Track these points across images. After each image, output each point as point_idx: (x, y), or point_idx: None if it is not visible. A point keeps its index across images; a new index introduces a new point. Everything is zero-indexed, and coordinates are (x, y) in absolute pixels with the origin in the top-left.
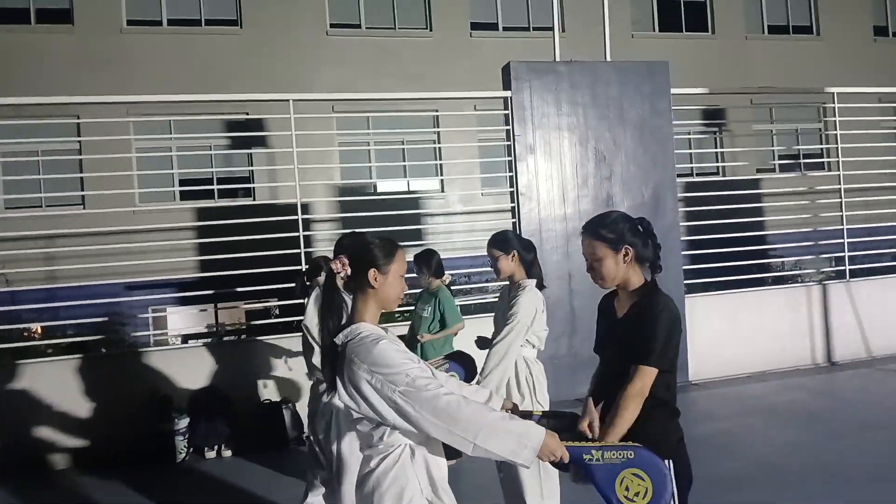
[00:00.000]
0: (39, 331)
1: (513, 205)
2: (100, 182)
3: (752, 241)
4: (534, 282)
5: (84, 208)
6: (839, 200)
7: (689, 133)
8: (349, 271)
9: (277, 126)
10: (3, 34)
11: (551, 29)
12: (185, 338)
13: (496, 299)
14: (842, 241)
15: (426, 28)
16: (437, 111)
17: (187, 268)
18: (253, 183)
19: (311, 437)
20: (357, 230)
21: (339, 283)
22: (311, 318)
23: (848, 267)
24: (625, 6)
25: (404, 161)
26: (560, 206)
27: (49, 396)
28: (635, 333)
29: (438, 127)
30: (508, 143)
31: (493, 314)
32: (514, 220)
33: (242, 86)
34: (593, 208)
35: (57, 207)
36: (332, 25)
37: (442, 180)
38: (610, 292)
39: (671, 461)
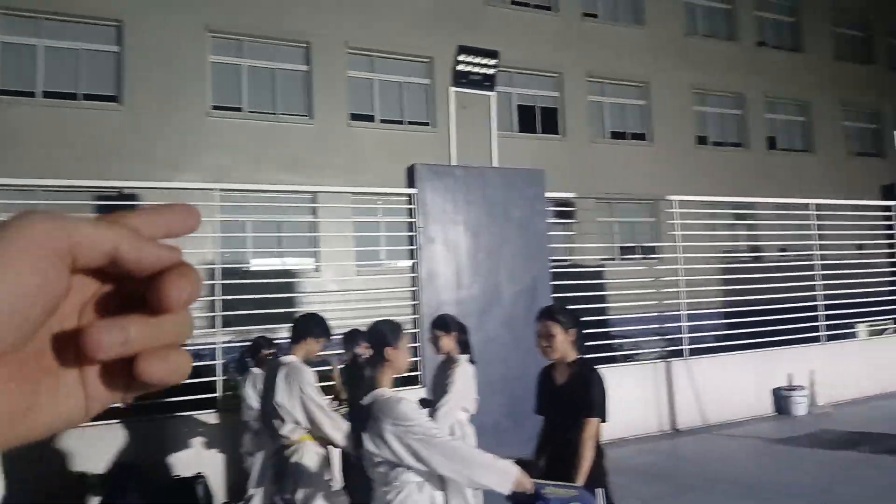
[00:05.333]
0: None
1: (414, 288)
2: None
3: (600, 324)
4: (467, 357)
5: None
6: (678, 290)
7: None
8: (371, 352)
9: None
10: None
11: (424, 124)
12: None
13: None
14: (679, 324)
15: (307, 116)
16: (315, 198)
17: None
18: None
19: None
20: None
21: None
22: (252, 399)
23: (686, 346)
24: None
25: (280, 244)
26: (455, 290)
27: None
28: (580, 394)
29: (316, 215)
30: (411, 233)
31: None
32: (415, 301)
33: (121, 163)
34: (483, 293)
35: None
36: (213, 108)
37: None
38: (546, 367)
39: (603, 490)
